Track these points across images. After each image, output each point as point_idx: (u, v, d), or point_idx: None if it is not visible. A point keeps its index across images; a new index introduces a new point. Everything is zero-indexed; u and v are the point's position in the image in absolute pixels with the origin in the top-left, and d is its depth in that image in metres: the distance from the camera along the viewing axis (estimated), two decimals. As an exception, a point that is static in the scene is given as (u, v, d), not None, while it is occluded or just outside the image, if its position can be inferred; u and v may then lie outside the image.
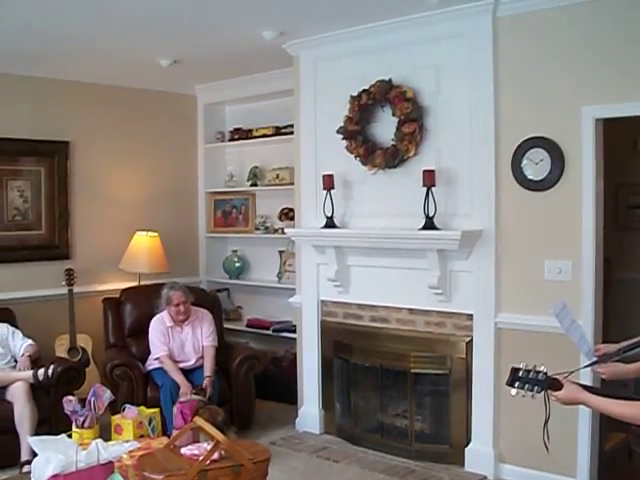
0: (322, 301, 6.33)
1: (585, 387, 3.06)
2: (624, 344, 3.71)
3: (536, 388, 2.99)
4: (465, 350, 5.49)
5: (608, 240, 5.86)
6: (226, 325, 7.43)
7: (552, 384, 3.01)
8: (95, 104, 7.26)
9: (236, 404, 6.34)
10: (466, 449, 5.55)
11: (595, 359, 3.50)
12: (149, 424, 4.85)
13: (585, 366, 3.46)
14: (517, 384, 3.03)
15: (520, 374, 3.03)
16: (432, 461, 5.67)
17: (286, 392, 6.92)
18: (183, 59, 6.59)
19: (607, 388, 3.55)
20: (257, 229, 7.71)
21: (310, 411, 6.46)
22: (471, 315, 5.47)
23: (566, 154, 5.05)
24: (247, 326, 7.72)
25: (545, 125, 5.11)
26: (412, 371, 5.75)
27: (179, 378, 5.90)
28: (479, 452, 5.47)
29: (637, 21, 4.74)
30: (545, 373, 3.01)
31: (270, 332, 7.44)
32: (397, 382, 5.92)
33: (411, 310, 5.78)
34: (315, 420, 6.42)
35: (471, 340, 5.47)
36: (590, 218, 4.98)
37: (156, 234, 7.24)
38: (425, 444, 5.79)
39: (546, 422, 3.11)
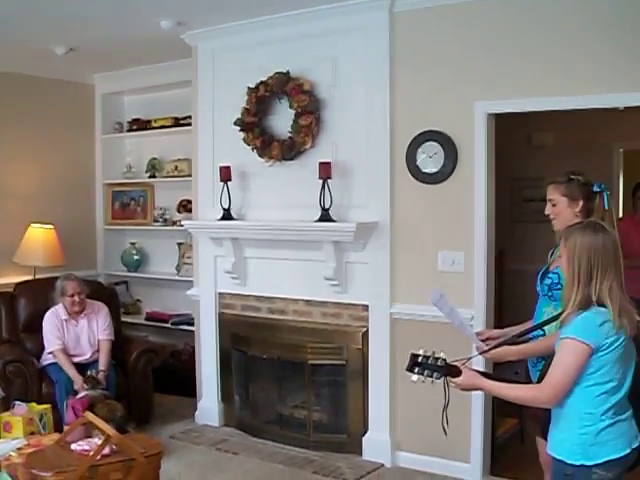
0: (220, 293, 6.30)
1: (481, 373, 3.17)
2: (507, 330, 3.86)
3: (435, 374, 3.06)
4: (361, 340, 5.56)
5: (503, 232, 6.01)
6: (125, 319, 7.34)
7: (451, 370, 3.08)
8: (-14, 92, 7.05)
9: (134, 398, 6.24)
10: (363, 438, 5.62)
11: (492, 344, 3.62)
12: (40, 420, 4.77)
13: (483, 352, 3.57)
14: (417, 370, 3.08)
15: (419, 360, 3.08)
16: (331, 451, 5.73)
17: (186, 385, 6.84)
18: (79, 47, 6.44)
19: (501, 374, 3.64)
20: (156, 221, 7.62)
21: (209, 404, 6.44)
22: (367, 306, 5.53)
23: (459, 148, 5.16)
24: (146, 319, 7.63)
25: (439, 119, 5.21)
26: (309, 362, 5.79)
27: (72, 372, 5.78)
28: (376, 441, 5.55)
29: (527, 19, 4.87)
30: (444, 359, 3.08)
31: (169, 325, 7.38)
32: (295, 373, 5.96)
33: (308, 301, 5.82)
34: (214, 413, 6.40)
35: (367, 330, 5.53)
36: (482, 210, 5.10)
37: (51, 226, 7.07)
38: (323, 434, 5.85)
39: (445, 407, 3.18)
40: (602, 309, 2.83)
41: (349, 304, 5.62)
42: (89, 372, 5.80)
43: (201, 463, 5.59)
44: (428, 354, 3.07)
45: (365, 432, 5.62)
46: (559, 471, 2.95)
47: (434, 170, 5.23)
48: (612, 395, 2.85)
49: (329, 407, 5.93)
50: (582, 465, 2.85)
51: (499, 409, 5.49)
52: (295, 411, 6.07)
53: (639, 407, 3.02)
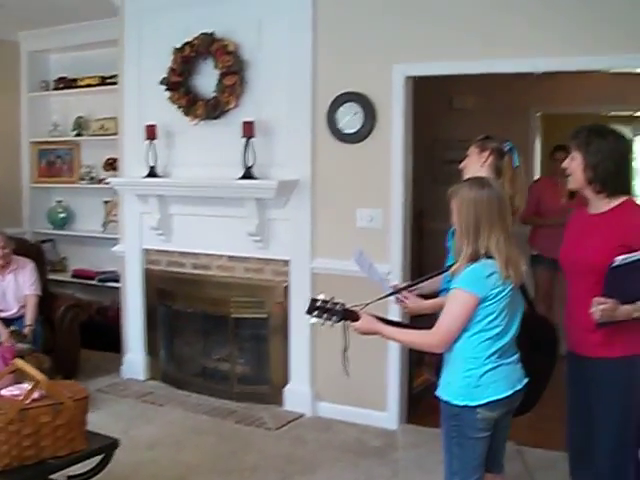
0: (145, 250, 6.40)
1: (381, 319, 3.33)
2: (422, 284, 4.02)
3: (334, 318, 3.23)
4: (283, 294, 5.74)
5: (424, 193, 6.21)
6: (51, 276, 7.35)
7: (350, 315, 3.24)
8: None
9: (61, 353, 6.25)
10: (285, 389, 5.82)
11: (389, 292, 3.73)
12: (-33, 371, 4.81)
13: (380, 298, 3.64)
14: (315, 313, 3.25)
15: (318, 304, 3.24)
16: (253, 402, 5.92)
17: (112, 342, 6.91)
18: (4, 3, 6.39)
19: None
20: (82, 179, 7.65)
21: (135, 358, 6.56)
22: (288, 261, 5.70)
23: (378, 109, 5.34)
24: (73, 277, 7.69)
25: (359, 81, 5.37)
26: (232, 316, 5.96)
27: (-2, 326, 5.85)
28: (297, 392, 5.76)
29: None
30: (343, 304, 3.24)
31: (96, 282, 7.45)
32: (219, 327, 6.12)
33: (231, 257, 5.96)
34: (140, 367, 6.52)
35: (288, 285, 5.71)
36: (399, 169, 5.30)
37: (-25, 184, 7.07)
38: (246, 386, 6.04)
39: (345, 350, 3.36)
40: (490, 261, 3.01)
41: (271, 259, 5.79)
42: (12, 327, 5.84)
43: (128, 414, 5.72)
44: (327, 299, 3.24)
45: (286, 383, 5.82)
46: (446, 412, 3.17)
47: (354, 130, 5.40)
48: (497, 341, 3.06)
49: (252, 360, 6.11)
50: (466, 406, 3.07)
51: (416, 361, 5.75)
52: (219, 364, 6.24)
53: (526, 352, 3.25)
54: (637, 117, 9.33)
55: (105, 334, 7.15)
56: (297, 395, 5.76)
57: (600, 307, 3.16)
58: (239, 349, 6.12)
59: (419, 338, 3.21)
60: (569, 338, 3.59)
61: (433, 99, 7.41)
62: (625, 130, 9.12)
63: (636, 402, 3.40)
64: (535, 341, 3.44)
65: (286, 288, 5.73)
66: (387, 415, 5.49)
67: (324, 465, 4.87)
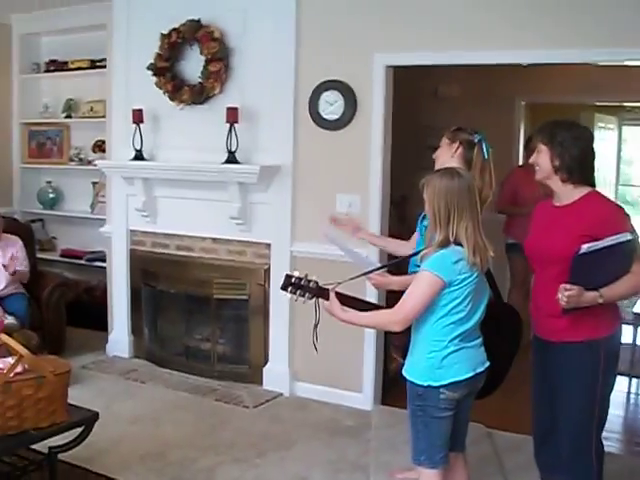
0: (131, 231, 6.52)
1: (354, 298, 3.46)
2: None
3: (307, 295, 3.37)
4: (263, 277, 5.87)
5: (407, 178, 6.30)
6: (40, 255, 7.45)
7: (322, 293, 3.37)
8: None
9: (47, 330, 6.39)
10: (264, 369, 5.96)
11: (365, 270, 3.82)
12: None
13: (351, 278, 3.71)
14: (290, 289, 3.39)
15: (293, 281, 3.38)
16: (233, 381, 6.07)
17: (99, 320, 7.04)
18: (-5, -14, 6.50)
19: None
20: (71, 160, 7.75)
21: (120, 337, 6.70)
22: (269, 244, 5.84)
23: (359, 97, 5.46)
24: (61, 256, 7.80)
25: (341, 69, 5.49)
26: (215, 297, 6.10)
27: (-14, 300, 5.96)
28: (276, 371, 5.91)
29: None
30: (316, 282, 3.38)
31: (84, 262, 7.57)
32: (201, 308, 6.27)
33: (214, 239, 6.10)
34: (124, 345, 6.67)
35: (269, 267, 5.84)
36: (378, 157, 5.43)
37: (-34, 164, 7.16)
38: (227, 365, 6.20)
39: (315, 326, 3.45)
40: (458, 248, 3.14)
41: (253, 242, 5.92)
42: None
43: (110, 391, 5.87)
44: (301, 276, 3.38)
45: (265, 363, 5.97)
46: (412, 391, 3.31)
47: (335, 117, 5.52)
48: (460, 325, 3.19)
49: (232, 340, 6.26)
50: (429, 386, 3.21)
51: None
52: (200, 343, 6.37)
53: (490, 337, 3.39)
54: (623, 107, 9.48)
55: (92, 313, 7.27)
56: (276, 375, 5.91)
57: (567, 293, 3.28)
58: (220, 329, 6.27)
59: (380, 317, 3.37)
60: (535, 324, 3.72)
61: (419, 87, 7.54)
62: (611, 119, 9.30)
63: (599, 385, 3.51)
64: (499, 327, 3.58)
65: (267, 270, 5.86)
66: (362, 396, 5.63)
67: (298, 443, 5.01)
